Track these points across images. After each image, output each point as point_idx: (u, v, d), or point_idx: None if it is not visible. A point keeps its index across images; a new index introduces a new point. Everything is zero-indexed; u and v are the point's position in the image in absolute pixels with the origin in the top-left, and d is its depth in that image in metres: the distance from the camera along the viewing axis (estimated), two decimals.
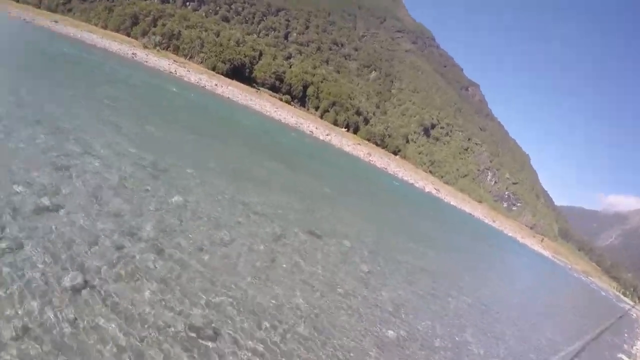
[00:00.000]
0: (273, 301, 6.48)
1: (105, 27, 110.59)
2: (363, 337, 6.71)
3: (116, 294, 4.92)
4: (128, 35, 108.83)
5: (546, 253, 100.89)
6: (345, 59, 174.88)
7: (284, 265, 8.03)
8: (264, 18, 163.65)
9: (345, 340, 6.33)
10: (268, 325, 5.78)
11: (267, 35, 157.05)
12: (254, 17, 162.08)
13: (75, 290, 4.67)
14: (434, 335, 8.32)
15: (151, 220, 7.17)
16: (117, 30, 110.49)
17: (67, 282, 4.73)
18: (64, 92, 15.23)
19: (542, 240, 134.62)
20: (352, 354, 6.04)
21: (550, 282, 40.85)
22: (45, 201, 6.24)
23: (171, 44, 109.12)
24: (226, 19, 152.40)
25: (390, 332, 7.36)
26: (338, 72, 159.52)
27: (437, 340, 8.11)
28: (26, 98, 11.92)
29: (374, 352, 6.40)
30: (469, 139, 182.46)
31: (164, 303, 5.17)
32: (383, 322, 7.64)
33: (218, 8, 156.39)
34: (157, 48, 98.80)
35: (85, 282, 4.86)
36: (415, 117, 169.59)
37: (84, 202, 6.77)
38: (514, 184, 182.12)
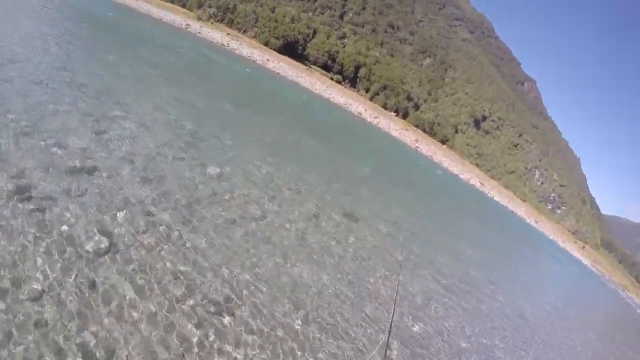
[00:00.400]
0: (298, 283, 6.27)
1: None
2: (385, 329, 6.43)
3: (138, 262, 4.81)
4: (184, 6, 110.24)
5: (585, 261, 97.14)
6: (400, 42, 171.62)
7: (314, 247, 7.80)
8: None
9: (366, 330, 6.06)
10: (288, 308, 5.57)
11: (322, 13, 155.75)
12: None
13: (99, 254, 4.58)
14: (462, 335, 7.94)
15: (183, 190, 7.06)
16: (173, 2, 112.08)
17: (91, 245, 4.65)
18: (111, 59, 15.38)
19: (583, 247, 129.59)
20: (369, 346, 5.79)
21: (584, 291, 39.24)
22: (79, 163, 6.21)
23: (226, 17, 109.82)
24: None
25: (416, 328, 7.05)
26: (392, 55, 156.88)
27: (463, 340, 7.73)
28: (74, 64, 12.08)
29: (396, 346, 6.11)
30: (519, 135, 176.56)
31: (184, 275, 5.03)
32: (409, 316, 7.34)
33: None
34: (211, 20, 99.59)
35: (110, 246, 4.77)
36: (466, 107, 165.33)
37: (118, 166, 6.72)
38: (561, 186, 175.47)
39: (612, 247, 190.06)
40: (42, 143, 6.27)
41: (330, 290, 6.52)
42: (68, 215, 4.97)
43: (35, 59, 10.43)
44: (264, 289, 5.64)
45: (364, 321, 6.26)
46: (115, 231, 5.11)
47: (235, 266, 5.74)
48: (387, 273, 8.57)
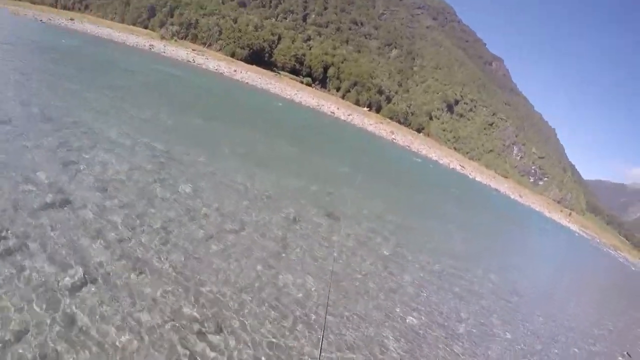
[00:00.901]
0: (284, 290, 6.29)
1: (122, 21, 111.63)
2: (381, 324, 6.49)
3: (118, 289, 4.82)
4: (146, 27, 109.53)
5: (573, 227, 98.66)
6: (366, 38, 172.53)
7: (297, 251, 7.83)
8: (281, 1, 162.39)
9: (363, 329, 6.13)
10: (276, 316, 5.60)
11: (285, 18, 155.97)
12: (271, 1, 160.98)
13: (77, 286, 4.59)
14: (458, 319, 8.01)
15: (158, 212, 7.06)
16: (135, 24, 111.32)
17: (68, 278, 4.65)
18: (74, 87, 15.23)
19: (569, 215, 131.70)
20: (370, 343, 5.87)
21: (577, 257, 39.88)
22: (50, 198, 6.18)
23: (189, 32, 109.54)
24: (243, 4, 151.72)
25: (410, 319, 7.08)
26: (359, 51, 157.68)
27: (461, 325, 7.80)
28: (39, 97, 12.00)
29: (392, 342, 6.17)
30: (493, 114, 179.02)
31: (166, 296, 5.05)
32: (403, 307, 7.40)
33: None
34: (175, 38, 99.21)
35: (87, 277, 4.78)
36: (438, 94, 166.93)
37: (89, 196, 6.70)
38: (540, 158, 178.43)
39: (597, 210, 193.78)
40: (12, 181, 6.26)
41: (315, 294, 6.52)
42: (43, 251, 4.95)
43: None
44: (249, 301, 5.66)
45: (352, 320, 6.32)
46: (92, 261, 5.10)
47: (216, 282, 5.75)
48: (373, 268, 8.67)
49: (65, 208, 6.12)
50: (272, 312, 5.63)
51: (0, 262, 4.57)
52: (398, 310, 7.22)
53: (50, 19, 66.39)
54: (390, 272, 8.77)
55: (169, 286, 5.23)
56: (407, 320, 6.99)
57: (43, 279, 4.51)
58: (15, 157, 7.22)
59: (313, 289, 6.60)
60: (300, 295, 6.30)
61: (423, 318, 7.31)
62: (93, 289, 4.65)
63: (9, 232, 5.10)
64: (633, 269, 66.96)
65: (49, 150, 8.01)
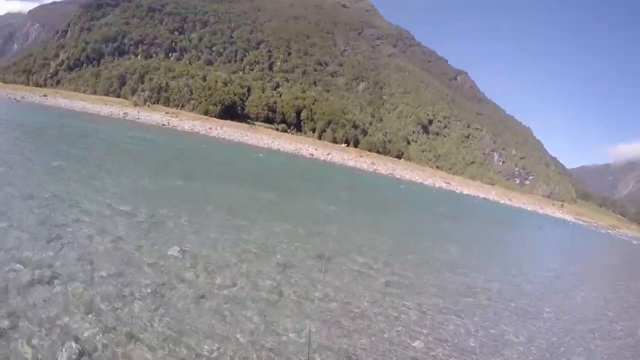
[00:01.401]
0: (284, 338, 6.25)
1: (95, 93, 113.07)
2: (388, 353, 6.47)
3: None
4: (118, 96, 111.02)
5: (568, 217, 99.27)
6: (332, 76, 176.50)
7: (292, 297, 7.79)
8: (246, 54, 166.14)
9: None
10: None
11: (252, 70, 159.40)
12: (236, 55, 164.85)
13: None
14: (467, 333, 7.94)
15: (147, 278, 7.07)
16: (107, 94, 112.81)
17: (63, 354, 4.69)
18: (52, 163, 15.30)
19: (562, 206, 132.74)
20: None
21: (576, 245, 39.95)
22: (37, 275, 6.21)
23: (161, 96, 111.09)
24: (210, 62, 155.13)
25: (417, 342, 7.04)
26: (327, 90, 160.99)
27: (470, 339, 7.71)
28: (18, 178, 12.02)
29: None
30: (468, 126, 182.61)
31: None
32: (408, 333, 7.36)
33: (200, 53, 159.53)
34: (148, 103, 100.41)
35: (82, 351, 4.81)
36: (411, 117, 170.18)
37: (77, 269, 6.74)
38: (522, 158, 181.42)
39: (588, 195, 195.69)
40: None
41: (317, 337, 6.52)
42: (35, 330, 4.97)
43: None
44: (251, 353, 5.66)
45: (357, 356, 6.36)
46: (85, 335, 5.12)
47: (212, 341, 5.74)
48: (371, 300, 8.68)
49: (54, 283, 6.15)
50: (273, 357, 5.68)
51: None
52: (403, 337, 7.16)
53: (23, 97, 67.34)
54: (388, 300, 8.74)
55: (165, 351, 5.24)
56: (415, 345, 6.94)
57: (38, 357, 4.55)
58: (1, 238, 7.33)
59: (312, 331, 6.62)
60: (302, 339, 6.28)
61: (430, 339, 7.27)
62: None
63: (1, 312, 5.15)
64: (635, 242, 67.04)
65: (32, 228, 8.09)
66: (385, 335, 7.09)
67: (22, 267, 6.41)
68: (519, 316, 9.81)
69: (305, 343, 6.12)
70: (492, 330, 8.42)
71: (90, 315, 5.59)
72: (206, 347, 5.55)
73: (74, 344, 4.87)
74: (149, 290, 6.67)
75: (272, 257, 9.85)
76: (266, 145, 70.00)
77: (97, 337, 5.17)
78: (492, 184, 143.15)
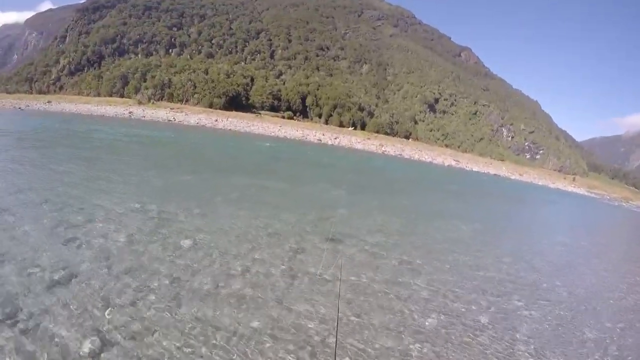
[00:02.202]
0: (301, 324, 6.35)
1: (98, 95, 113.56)
2: (400, 333, 6.57)
3: (136, 349, 5.00)
4: (122, 96, 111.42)
5: (580, 190, 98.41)
6: (334, 60, 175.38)
7: (306, 280, 7.95)
8: (247, 44, 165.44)
9: (381, 342, 6.22)
10: (294, 348, 5.72)
11: (253, 59, 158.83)
12: (236, 46, 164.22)
13: (96, 353, 4.79)
14: (480, 310, 8.00)
15: (162, 270, 7.25)
16: (111, 94, 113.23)
17: (87, 346, 4.85)
18: (61, 167, 15.47)
19: (573, 180, 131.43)
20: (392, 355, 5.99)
21: (589, 218, 39.66)
22: (57, 275, 6.43)
23: (164, 93, 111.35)
24: (211, 55, 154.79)
25: (430, 321, 7.11)
26: (331, 75, 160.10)
27: (483, 316, 7.79)
28: (28, 184, 12.22)
29: (415, 348, 6.20)
30: (475, 103, 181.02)
31: (183, 348, 5.21)
32: (420, 311, 7.45)
33: (200, 47, 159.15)
34: (152, 101, 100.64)
35: (104, 343, 4.98)
36: (417, 97, 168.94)
37: (94, 267, 6.93)
38: (531, 133, 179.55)
39: (599, 168, 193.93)
40: (18, 266, 6.57)
41: (331, 322, 6.56)
42: (57, 327, 5.17)
43: None
44: (268, 342, 5.75)
45: (370, 334, 6.47)
46: (106, 327, 5.31)
47: (231, 326, 5.91)
48: (383, 280, 8.78)
49: (73, 282, 6.35)
50: (291, 343, 5.80)
51: (21, 340, 4.83)
52: (416, 315, 7.25)
53: (28, 105, 67.69)
54: (400, 281, 8.83)
55: (185, 339, 5.39)
56: (427, 324, 7.01)
57: (62, 351, 4.74)
58: (18, 242, 7.52)
59: (327, 313, 6.73)
60: (316, 321, 6.42)
61: (442, 317, 7.33)
62: (112, 354, 4.86)
63: (23, 312, 5.37)
64: None
65: (48, 231, 8.31)
66: (398, 315, 7.19)
67: (40, 269, 6.60)
68: (531, 291, 9.82)
69: (318, 326, 6.27)
70: (504, 306, 8.47)
71: (109, 310, 5.77)
72: (222, 333, 5.70)
73: (96, 337, 5.07)
74: (167, 282, 6.83)
75: (284, 243, 9.97)
76: (273, 134, 70.05)
77: (119, 330, 5.34)
78: (502, 160, 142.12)
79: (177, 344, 5.27)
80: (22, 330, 5.02)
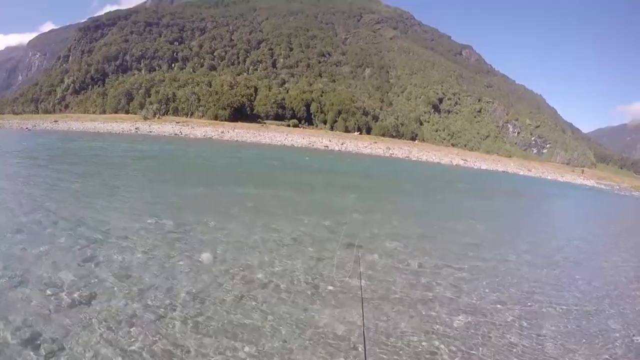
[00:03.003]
0: (328, 332, 6.19)
1: (104, 112, 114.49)
2: (428, 334, 6.39)
3: None
4: (127, 112, 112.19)
5: (590, 182, 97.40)
6: (337, 66, 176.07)
7: (330, 288, 7.77)
8: (248, 55, 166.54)
9: (409, 345, 6.05)
10: (323, 353, 5.58)
11: (256, 69, 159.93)
12: (238, 57, 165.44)
13: None
14: (504, 308, 7.79)
15: (184, 286, 7.10)
16: (116, 111, 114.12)
17: None
18: (73, 186, 15.47)
19: (582, 172, 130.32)
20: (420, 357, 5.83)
21: (600, 210, 39.19)
22: (77, 296, 6.29)
23: (169, 107, 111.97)
24: (213, 68, 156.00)
25: (457, 321, 6.95)
26: (334, 81, 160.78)
27: (507, 314, 7.59)
28: (42, 204, 12.15)
29: (443, 349, 6.04)
30: (479, 101, 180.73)
31: None
32: (446, 312, 7.26)
33: (202, 60, 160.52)
34: (157, 115, 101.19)
35: None
36: (420, 98, 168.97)
37: (114, 286, 6.80)
38: (537, 127, 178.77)
39: (607, 158, 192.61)
40: (37, 288, 6.44)
41: (356, 323, 6.46)
42: (81, 350, 5.03)
43: (2, 209, 10.95)
44: (293, 346, 5.65)
45: (396, 339, 6.32)
46: (130, 349, 5.17)
47: (256, 338, 5.76)
48: (406, 284, 8.61)
49: (93, 302, 6.21)
50: (322, 350, 5.62)
51: None
52: (443, 317, 7.09)
53: (35, 125, 68.14)
54: (423, 283, 8.66)
55: (213, 356, 5.26)
56: (454, 324, 6.86)
57: None
58: (35, 263, 7.40)
59: (353, 319, 6.59)
60: (344, 327, 6.28)
61: (469, 318, 7.18)
62: None
63: (43, 337, 5.21)
64: None
65: (65, 251, 8.19)
66: (425, 318, 7.02)
67: (60, 290, 6.48)
68: (552, 286, 9.64)
69: (347, 335, 6.11)
70: (528, 303, 8.28)
71: (133, 328, 5.63)
72: (248, 349, 5.54)
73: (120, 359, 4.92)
74: (189, 298, 6.68)
75: (302, 252, 9.83)
76: (280, 143, 70.09)
77: (143, 349, 5.19)
78: (510, 156, 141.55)
79: None
80: (44, 356, 4.87)
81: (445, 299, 7.94)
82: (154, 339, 5.44)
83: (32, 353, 4.86)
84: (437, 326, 6.72)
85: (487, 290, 8.71)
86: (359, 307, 6.89)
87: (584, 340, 6.91)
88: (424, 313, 7.20)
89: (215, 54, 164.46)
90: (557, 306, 8.30)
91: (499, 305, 7.95)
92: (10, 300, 6.01)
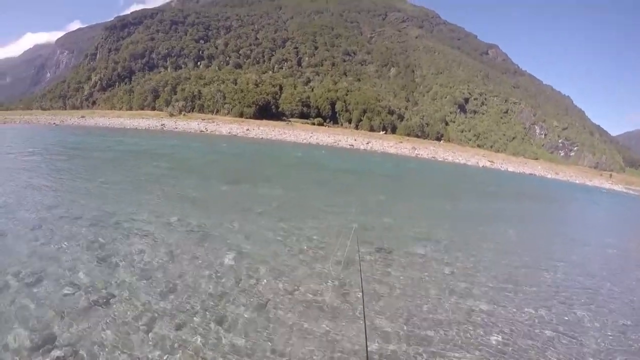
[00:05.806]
0: (355, 338, 5.82)
1: (130, 108, 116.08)
2: (466, 350, 5.98)
3: None
4: (153, 109, 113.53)
5: (619, 187, 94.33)
6: (362, 65, 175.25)
7: (359, 296, 7.34)
8: (273, 53, 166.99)
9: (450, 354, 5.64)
10: None
11: (281, 68, 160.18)
12: (263, 55, 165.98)
13: None
14: (542, 324, 7.31)
15: (207, 289, 6.79)
16: (142, 108, 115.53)
17: None
18: (95, 182, 15.29)
19: (610, 176, 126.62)
20: None
21: (635, 217, 37.73)
22: (95, 296, 6.07)
23: (195, 104, 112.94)
24: (239, 66, 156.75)
25: (494, 338, 6.48)
26: (359, 80, 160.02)
27: (546, 330, 7.10)
28: (64, 198, 12.04)
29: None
30: (505, 101, 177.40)
31: None
32: (482, 328, 6.80)
33: (228, 58, 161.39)
34: (183, 112, 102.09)
35: None
36: (446, 98, 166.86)
37: (134, 287, 6.54)
38: (564, 129, 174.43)
39: (636, 163, 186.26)
40: (55, 287, 6.26)
41: (392, 336, 6.11)
42: (97, 352, 4.80)
43: (26, 204, 10.87)
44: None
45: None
46: (150, 355, 4.87)
47: (283, 350, 5.40)
48: (439, 295, 8.14)
49: (111, 304, 5.96)
50: None
51: None
52: (479, 330, 6.65)
53: (62, 121, 69.27)
54: (457, 292, 8.21)
55: None
56: (492, 340, 6.41)
57: None
58: (54, 261, 7.22)
59: (387, 331, 6.18)
60: (378, 340, 5.89)
61: (506, 331, 6.73)
62: None
63: (59, 339, 4.99)
64: None
65: (84, 249, 7.99)
66: (461, 331, 6.57)
67: (78, 290, 6.25)
68: (589, 298, 9.06)
69: (376, 342, 5.68)
70: (566, 317, 7.78)
71: (151, 334, 5.32)
72: (274, 356, 5.22)
73: None
74: (212, 303, 6.35)
75: (330, 255, 9.38)
76: (305, 141, 69.88)
77: (164, 355, 4.87)
78: (536, 159, 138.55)
79: None
80: (60, 357, 4.66)
81: (481, 312, 7.46)
82: (173, 346, 5.15)
83: (46, 355, 4.66)
84: (473, 342, 6.28)
85: (522, 302, 8.23)
86: (390, 315, 6.49)
87: (624, 356, 6.52)
88: (458, 324, 6.74)
89: (240, 52, 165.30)
90: (595, 320, 7.82)
91: (536, 320, 7.45)
92: (26, 301, 5.80)
